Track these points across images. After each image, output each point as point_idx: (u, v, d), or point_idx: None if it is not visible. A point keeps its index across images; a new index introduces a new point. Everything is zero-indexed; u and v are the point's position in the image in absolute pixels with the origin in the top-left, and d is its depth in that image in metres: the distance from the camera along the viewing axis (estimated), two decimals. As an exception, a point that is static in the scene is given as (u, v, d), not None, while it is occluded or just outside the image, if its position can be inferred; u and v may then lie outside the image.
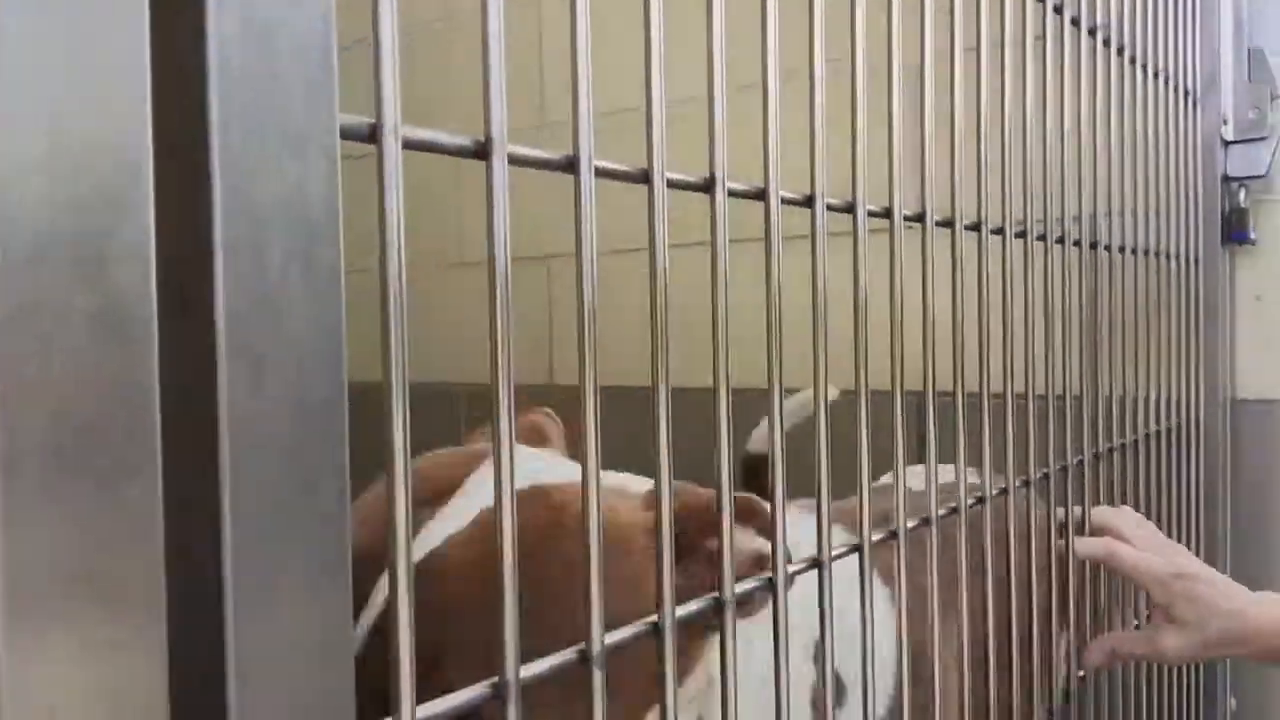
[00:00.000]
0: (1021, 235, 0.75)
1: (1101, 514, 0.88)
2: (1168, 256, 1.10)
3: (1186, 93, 1.15)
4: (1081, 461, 0.88)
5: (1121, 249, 0.96)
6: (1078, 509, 0.87)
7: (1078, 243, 0.85)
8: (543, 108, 1.85)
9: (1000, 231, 0.72)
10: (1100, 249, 0.91)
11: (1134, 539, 0.86)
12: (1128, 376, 1.01)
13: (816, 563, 0.52)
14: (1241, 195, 1.22)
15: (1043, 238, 0.78)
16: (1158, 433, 1.08)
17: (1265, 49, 1.23)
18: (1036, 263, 0.77)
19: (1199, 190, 1.19)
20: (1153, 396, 1.07)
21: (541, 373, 1.88)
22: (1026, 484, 0.77)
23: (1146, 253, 1.03)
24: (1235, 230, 1.22)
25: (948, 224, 0.65)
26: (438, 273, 2.00)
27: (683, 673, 0.63)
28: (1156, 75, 1.07)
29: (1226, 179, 1.23)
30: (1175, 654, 0.83)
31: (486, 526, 0.60)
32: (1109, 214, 0.93)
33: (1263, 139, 1.20)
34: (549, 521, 0.58)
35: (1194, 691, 1.28)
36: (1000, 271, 0.72)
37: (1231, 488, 1.33)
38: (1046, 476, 0.81)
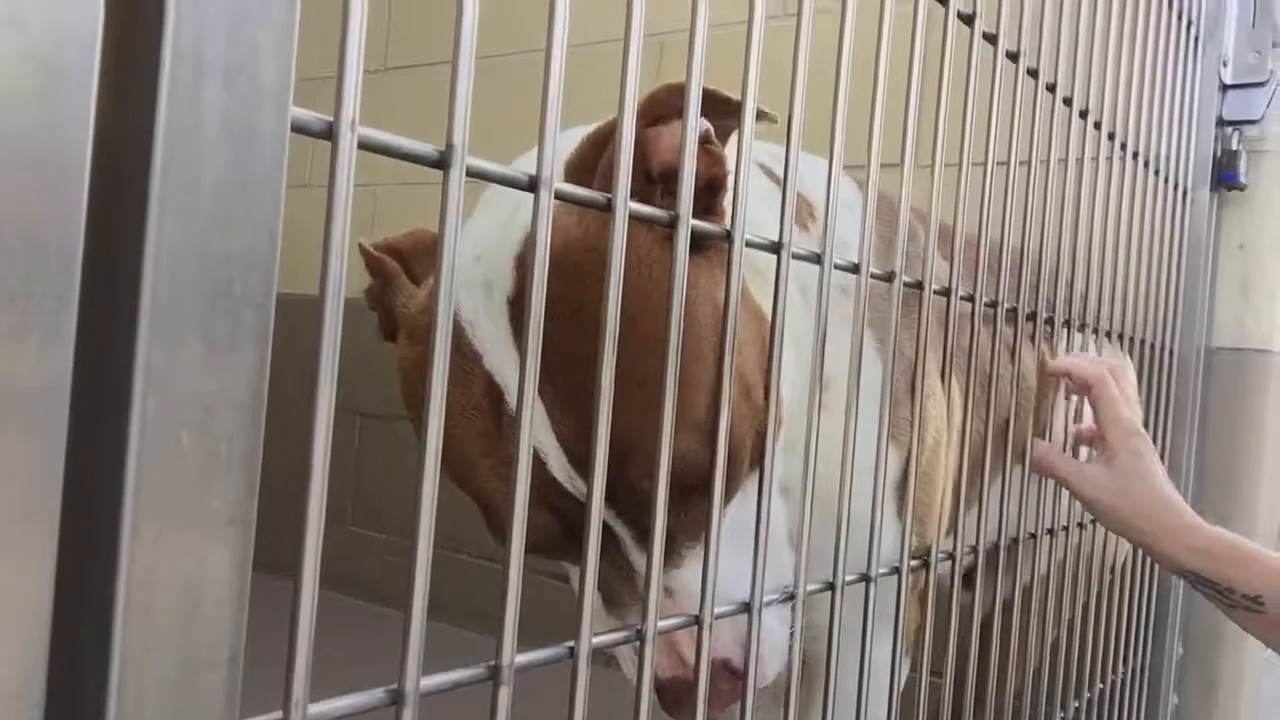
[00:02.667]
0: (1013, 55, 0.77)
1: (1109, 362, 0.92)
2: (1156, 172, 1.12)
3: (1190, 23, 1.18)
4: (1052, 318, 0.90)
5: (1111, 136, 0.99)
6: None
7: (1068, 100, 0.87)
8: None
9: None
10: (1090, 124, 0.93)
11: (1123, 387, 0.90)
12: (1105, 284, 1.04)
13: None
14: (1235, 139, 1.25)
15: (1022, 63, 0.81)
16: (1130, 339, 1.10)
17: (1273, -4, 1.27)
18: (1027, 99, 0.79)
19: (1194, 128, 1.22)
20: (1129, 317, 1.09)
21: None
22: (993, 304, 0.79)
23: (1136, 156, 1.06)
24: (1225, 171, 1.25)
25: None
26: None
27: None
28: (1171, 5, 1.10)
29: (1221, 122, 1.26)
30: (1089, 490, 0.87)
31: None
32: (1102, 103, 0.95)
33: (1261, 84, 1.23)
34: None
35: (1143, 640, 1.29)
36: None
37: (1198, 436, 1.34)
38: (1015, 309, 0.83)
